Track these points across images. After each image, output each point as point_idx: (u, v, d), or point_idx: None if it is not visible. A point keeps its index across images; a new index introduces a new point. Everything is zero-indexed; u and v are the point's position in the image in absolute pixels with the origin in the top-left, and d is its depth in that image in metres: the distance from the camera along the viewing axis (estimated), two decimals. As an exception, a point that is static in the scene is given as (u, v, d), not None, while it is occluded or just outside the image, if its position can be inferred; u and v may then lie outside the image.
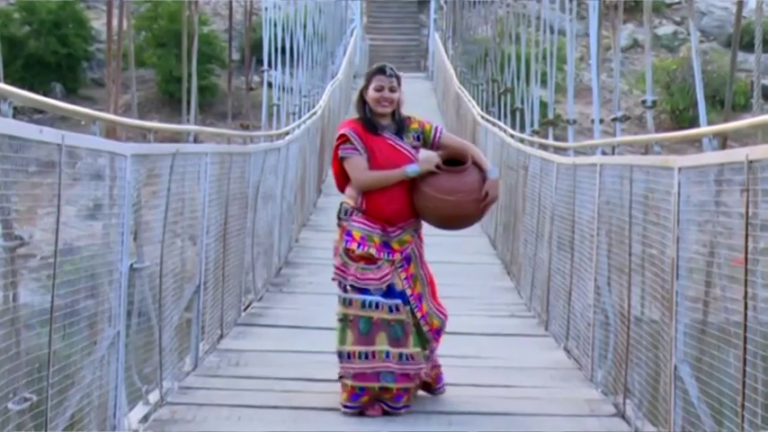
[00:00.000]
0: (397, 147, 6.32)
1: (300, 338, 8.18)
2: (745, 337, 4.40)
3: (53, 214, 4.48)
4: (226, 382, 7.29)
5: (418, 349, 6.26)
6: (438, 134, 6.47)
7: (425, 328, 6.36)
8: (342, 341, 6.24)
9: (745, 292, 4.42)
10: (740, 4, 9.21)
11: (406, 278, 6.31)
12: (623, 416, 6.49)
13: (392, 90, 6.29)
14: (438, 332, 6.49)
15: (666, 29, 31.82)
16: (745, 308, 4.41)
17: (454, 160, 6.37)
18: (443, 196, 6.20)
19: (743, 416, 4.42)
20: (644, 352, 6.20)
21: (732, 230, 4.88)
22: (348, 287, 6.21)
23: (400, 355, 6.16)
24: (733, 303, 4.66)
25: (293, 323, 9.47)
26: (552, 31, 18.59)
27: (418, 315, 6.32)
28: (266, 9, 20.81)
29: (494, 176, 6.40)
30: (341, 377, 6.28)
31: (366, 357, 6.15)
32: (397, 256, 6.27)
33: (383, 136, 6.32)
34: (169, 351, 6.91)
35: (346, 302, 6.23)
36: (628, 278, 6.62)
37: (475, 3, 33.75)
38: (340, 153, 6.32)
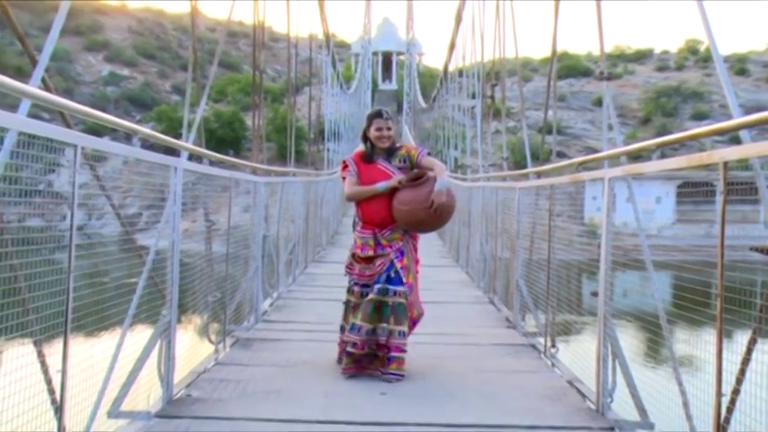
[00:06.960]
0: (384, 169, 3.99)
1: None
2: (549, 267, 4.39)
3: (227, 210, 4.46)
4: (309, 288, 7.23)
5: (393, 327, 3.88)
6: (420, 156, 3.99)
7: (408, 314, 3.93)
8: (346, 319, 4.06)
9: (549, 245, 4.42)
10: (546, 113, 9.28)
11: (402, 268, 3.92)
12: (492, 303, 6.46)
13: (388, 129, 4.01)
14: (415, 322, 4.01)
15: (511, 123, 31.66)
16: (549, 252, 4.40)
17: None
18: (400, 206, 3.86)
19: (547, 302, 4.42)
20: (502, 273, 6.18)
21: (542, 217, 4.88)
22: (353, 282, 4.06)
23: (390, 331, 3.87)
24: (543, 250, 4.65)
25: (340, 261, 9.39)
26: (459, 124, 18.62)
27: (410, 300, 3.93)
28: (327, 114, 21.11)
29: (437, 186, 3.81)
30: (344, 343, 3.97)
31: (372, 333, 3.86)
32: (388, 250, 3.93)
33: (376, 162, 4.02)
34: (281, 274, 6.87)
35: (351, 292, 4.06)
36: (494, 239, 6.60)
37: (423, 111, 33.86)
38: (342, 175, 4.09)
